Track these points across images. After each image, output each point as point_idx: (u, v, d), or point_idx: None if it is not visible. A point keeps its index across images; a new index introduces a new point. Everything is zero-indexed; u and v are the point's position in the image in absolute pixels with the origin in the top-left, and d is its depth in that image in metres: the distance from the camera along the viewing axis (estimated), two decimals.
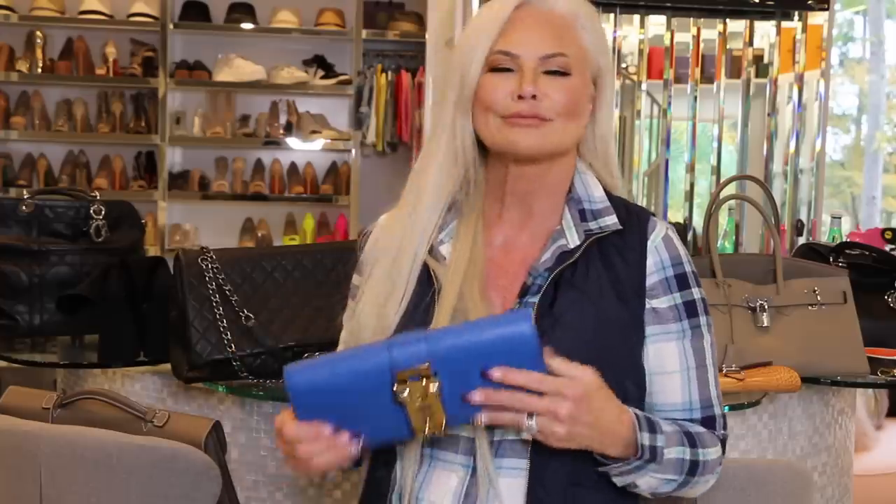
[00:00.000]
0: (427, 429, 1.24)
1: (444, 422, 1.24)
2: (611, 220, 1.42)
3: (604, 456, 1.32)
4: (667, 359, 1.41)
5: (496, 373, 1.22)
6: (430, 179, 1.42)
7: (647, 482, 1.35)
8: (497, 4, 1.40)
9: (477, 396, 1.23)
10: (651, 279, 1.41)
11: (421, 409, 1.23)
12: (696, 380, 1.41)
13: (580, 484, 1.34)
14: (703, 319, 1.43)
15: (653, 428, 1.33)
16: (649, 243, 1.42)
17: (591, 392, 1.26)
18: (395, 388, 1.22)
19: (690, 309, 1.42)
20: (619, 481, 1.35)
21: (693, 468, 1.37)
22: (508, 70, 1.37)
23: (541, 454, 1.32)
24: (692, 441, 1.38)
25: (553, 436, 1.26)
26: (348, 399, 1.24)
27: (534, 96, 1.35)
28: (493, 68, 1.37)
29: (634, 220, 1.44)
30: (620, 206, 1.45)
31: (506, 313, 1.34)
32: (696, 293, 1.43)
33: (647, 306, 1.41)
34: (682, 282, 1.42)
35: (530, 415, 1.24)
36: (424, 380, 1.21)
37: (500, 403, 1.23)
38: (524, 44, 1.37)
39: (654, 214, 1.46)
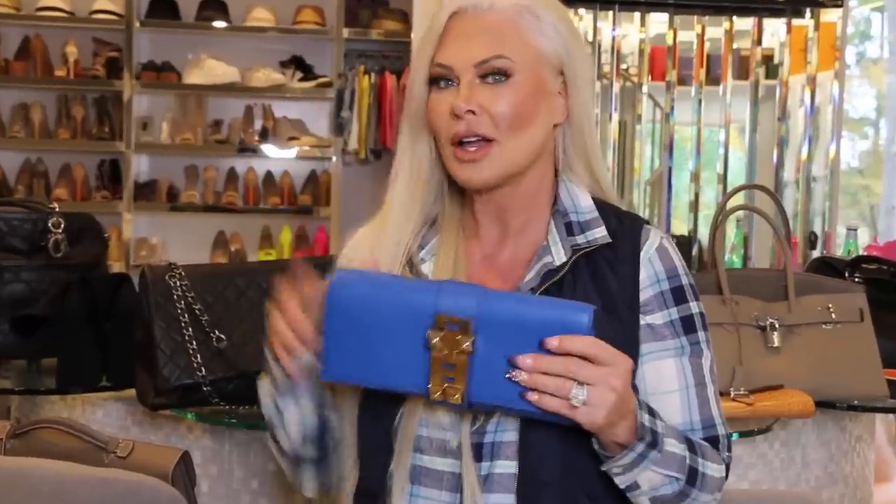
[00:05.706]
0: (443, 393, 1.24)
1: (463, 392, 1.24)
2: (600, 233, 1.41)
3: (604, 451, 1.30)
4: (665, 377, 1.41)
5: (553, 341, 1.21)
6: (397, 197, 1.46)
7: (648, 479, 1.32)
8: (436, 16, 1.42)
9: (527, 361, 1.21)
10: (645, 294, 1.41)
11: (445, 367, 1.24)
12: (697, 398, 1.41)
13: None
14: (701, 335, 1.43)
15: (651, 412, 1.33)
16: (642, 255, 1.42)
17: (630, 367, 1.26)
18: (429, 331, 1.23)
19: (688, 324, 1.42)
20: (621, 480, 1.32)
21: (692, 476, 1.35)
22: (449, 83, 1.39)
23: (530, 485, 1.32)
24: (691, 447, 1.36)
25: (602, 405, 1.22)
26: (381, 319, 1.26)
27: (471, 111, 1.36)
28: (434, 82, 1.40)
29: (626, 230, 1.43)
30: (611, 214, 1.44)
31: (565, 300, 1.33)
32: (693, 307, 1.43)
33: (642, 322, 1.40)
34: (678, 296, 1.42)
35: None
36: (461, 335, 1.23)
37: (552, 371, 1.21)
38: (458, 54, 1.38)
39: (647, 222, 1.46)
